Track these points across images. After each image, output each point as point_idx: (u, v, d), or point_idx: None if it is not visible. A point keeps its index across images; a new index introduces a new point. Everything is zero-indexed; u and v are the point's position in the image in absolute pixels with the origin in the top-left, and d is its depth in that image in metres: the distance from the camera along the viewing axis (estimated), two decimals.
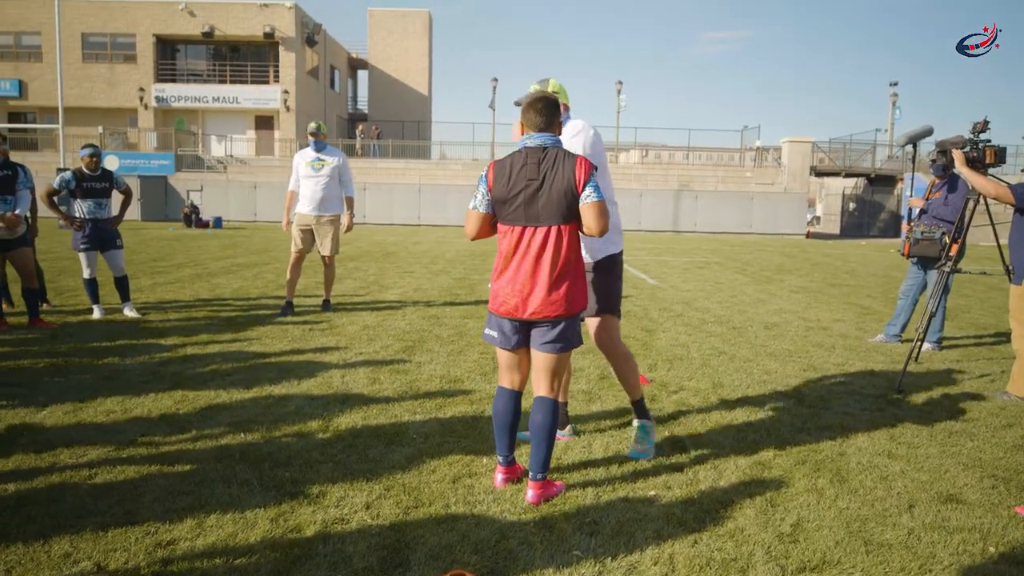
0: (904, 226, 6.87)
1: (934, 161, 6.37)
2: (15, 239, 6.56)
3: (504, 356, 3.32)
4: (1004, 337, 7.54)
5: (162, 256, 14.26)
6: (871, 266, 16.93)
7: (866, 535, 2.97)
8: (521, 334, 3.25)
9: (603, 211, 3.10)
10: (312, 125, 7.65)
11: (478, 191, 3.25)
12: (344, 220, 7.89)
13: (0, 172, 6.45)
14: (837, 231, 38.13)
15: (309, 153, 7.70)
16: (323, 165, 7.65)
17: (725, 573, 2.63)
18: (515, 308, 3.17)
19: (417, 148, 39.38)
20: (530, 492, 3.17)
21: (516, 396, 3.34)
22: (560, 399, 3.99)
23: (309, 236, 7.78)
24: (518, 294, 3.16)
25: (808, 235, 32.75)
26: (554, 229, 3.12)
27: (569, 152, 3.16)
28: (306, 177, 7.69)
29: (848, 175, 36.72)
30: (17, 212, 6.45)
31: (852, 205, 38.42)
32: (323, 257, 7.94)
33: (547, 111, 3.18)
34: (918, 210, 6.90)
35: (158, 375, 5.12)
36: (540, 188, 3.09)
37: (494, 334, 3.30)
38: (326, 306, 8.10)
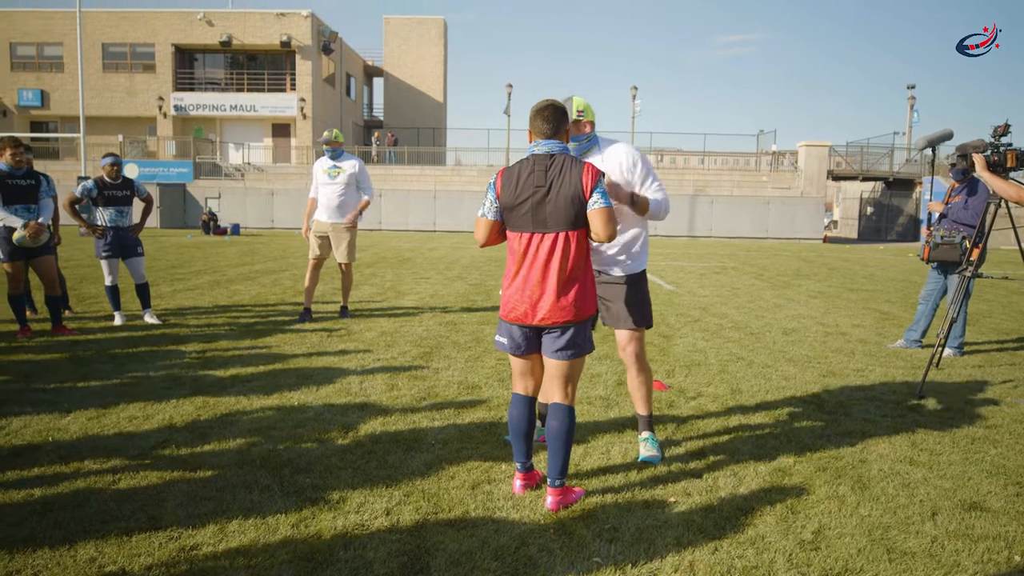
0: (924, 231, 6.81)
1: (954, 165, 6.33)
2: (38, 247, 6.66)
3: (516, 363, 3.34)
4: None
5: (181, 263, 14.40)
6: (890, 271, 16.78)
7: (889, 543, 2.95)
8: (531, 340, 3.26)
9: (611, 217, 3.12)
10: (326, 134, 7.64)
11: (487, 198, 3.28)
12: (348, 216, 7.78)
13: (24, 181, 6.55)
14: (855, 235, 37.82)
15: (326, 161, 7.76)
16: (339, 172, 7.70)
17: None
18: (524, 314, 3.19)
19: (432, 154, 39.54)
20: (549, 499, 3.17)
21: (531, 402, 3.35)
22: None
23: (326, 243, 7.87)
24: (527, 300, 3.17)
25: (825, 239, 32.51)
26: (562, 235, 3.13)
27: (576, 159, 3.17)
28: (323, 185, 7.76)
29: (866, 179, 36.43)
30: (40, 221, 6.55)
31: (870, 209, 38.11)
32: (340, 264, 8.00)
33: (555, 118, 3.19)
34: (938, 214, 6.84)
35: (179, 381, 5.17)
36: (547, 195, 3.11)
37: (504, 341, 3.31)
38: (344, 312, 8.15)
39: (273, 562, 2.65)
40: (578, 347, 3.22)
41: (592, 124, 3.73)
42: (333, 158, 7.71)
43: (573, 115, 3.64)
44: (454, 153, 41.18)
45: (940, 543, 2.95)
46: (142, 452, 3.75)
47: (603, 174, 3.19)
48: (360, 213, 7.86)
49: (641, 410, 3.95)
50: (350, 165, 7.75)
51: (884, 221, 37.11)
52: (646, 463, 3.74)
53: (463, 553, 2.74)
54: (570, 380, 3.25)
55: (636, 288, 3.86)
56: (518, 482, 3.34)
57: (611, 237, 3.12)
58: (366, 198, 7.86)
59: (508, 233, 3.27)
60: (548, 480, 3.20)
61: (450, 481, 3.45)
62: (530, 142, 3.25)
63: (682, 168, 39.57)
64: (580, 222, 3.14)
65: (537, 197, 3.12)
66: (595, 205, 3.10)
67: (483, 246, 3.35)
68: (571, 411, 3.24)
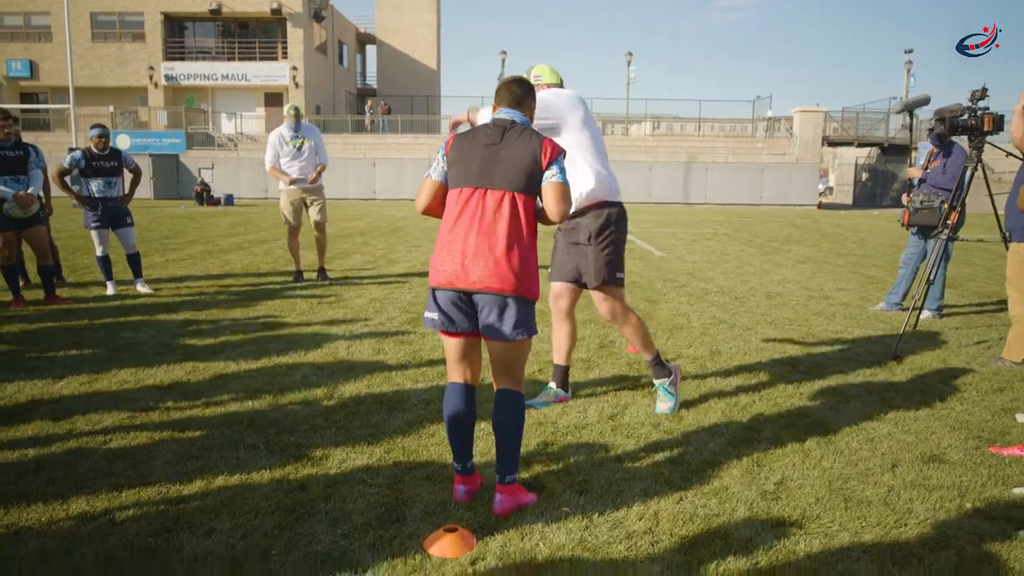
0: (904, 197, 6.93)
1: (931, 130, 6.43)
2: (29, 218, 6.72)
3: (450, 345, 2.92)
4: (1005, 305, 7.56)
5: (174, 234, 14.45)
6: (880, 236, 16.88)
7: (847, 492, 3.08)
8: (466, 314, 2.84)
9: (565, 194, 2.84)
10: (292, 109, 8.22)
11: (436, 159, 2.98)
12: (311, 175, 8.29)
13: (12, 153, 6.58)
14: (850, 201, 37.86)
15: (287, 132, 8.23)
16: (302, 143, 8.21)
17: (707, 527, 2.75)
18: (455, 276, 2.77)
19: (426, 123, 39.31)
20: (498, 498, 2.80)
21: (470, 391, 2.96)
22: (565, 363, 4.23)
23: (300, 209, 8.39)
24: (458, 257, 2.76)
25: (820, 206, 32.56)
26: (508, 195, 2.79)
27: (538, 132, 2.94)
28: (288, 156, 8.26)
29: (861, 145, 36.37)
30: (30, 191, 6.60)
31: (865, 175, 38.10)
32: (315, 224, 8.47)
33: (521, 91, 3.00)
34: (918, 180, 6.93)
35: (170, 347, 5.28)
36: (500, 151, 2.83)
37: (434, 316, 2.86)
38: (322, 274, 8.55)
39: (256, 513, 2.77)
40: (521, 327, 2.81)
41: (551, 87, 3.99)
42: (295, 129, 8.20)
43: (530, 78, 3.88)
44: (448, 121, 40.86)
45: (896, 492, 3.09)
46: (132, 414, 3.87)
47: (564, 152, 2.91)
48: (320, 175, 8.38)
49: (645, 354, 4.08)
50: (311, 137, 8.29)
51: (879, 187, 37.11)
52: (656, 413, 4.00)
53: (438, 504, 2.87)
54: (516, 364, 2.90)
55: (599, 245, 3.89)
56: (460, 488, 2.92)
57: (563, 215, 2.84)
58: (322, 164, 8.38)
59: (449, 192, 2.91)
60: (498, 477, 2.82)
61: (430, 438, 3.57)
62: (492, 113, 3.04)
63: (678, 135, 39.42)
64: (530, 188, 2.82)
65: (488, 152, 2.83)
66: (552, 178, 2.82)
67: (423, 211, 2.99)
68: (520, 397, 2.90)
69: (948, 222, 5.80)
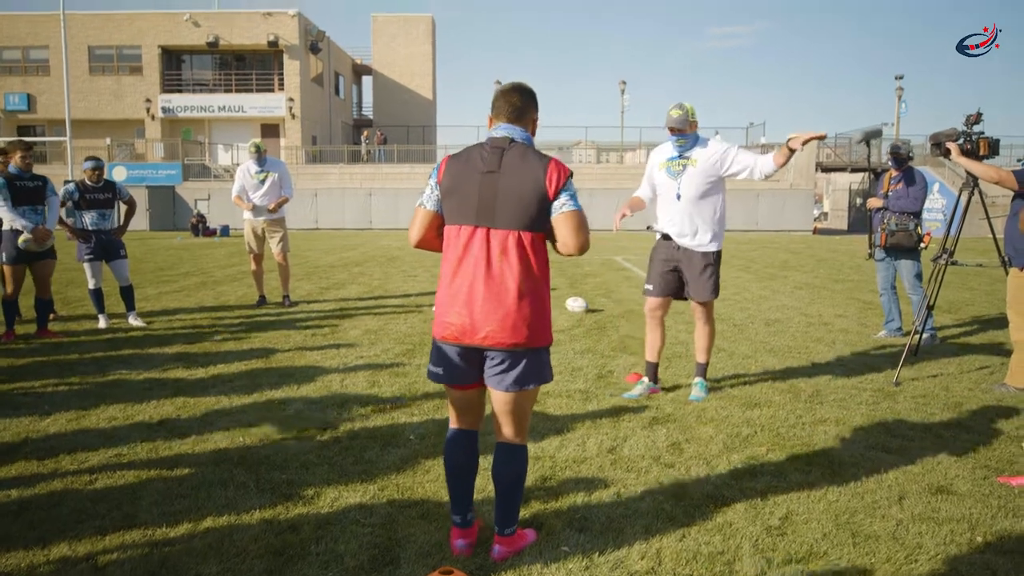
0: (878, 226, 7.16)
1: (891, 153, 6.74)
2: (42, 251, 6.71)
3: (455, 396, 2.74)
4: (1006, 329, 7.51)
5: (169, 265, 14.38)
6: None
7: (854, 527, 3.00)
8: (473, 365, 2.65)
9: (581, 223, 2.57)
10: (252, 146, 8.62)
11: (428, 185, 2.70)
12: (271, 204, 8.60)
13: (31, 183, 6.62)
14: (845, 226, 37.99)
15: (252, 167, 8.60)
16: (266, 177, 8.60)
17: (711, 566, 2.66)
18: (462, 331, 2.57)
19: (422, 152, 39.47)
20: (497, 548, 2.68)
21: (472, 438, 2.79)
22: (653, 360, 5.01)
23: (261, 240, 8.84)
24: (465, 311, 2.55)
25: (815, 231, 32.65)
26: (513, 235, 2.54)
27: (542, 153, 2.63)
28: (252, 189, 8.60)
29: (855, 170, 36.56)
30: (47, 227, 6.60)
31: (859, 200, 38.27)
32: (276, 253, 8.83)
33: (523, 102, 2.66)
34: (878, 208, 7.08)
35: (161, 382, 5.19)
36: (499, 182, 2.54)
37: (439, 370, 2.67)
38: (286, 301, 8.91)
39: (244, 556, 2.67)
40: (530, 378, 2.62)
41: (696, 124, 4.79)
42: (260, 165, 8.56)
43: (691, 119, 4.71)
44: (444, 150, 40.97)
45: (905, 526, 3.00)
46: (120, 452, 3.77)
47: (571, 174, 2.61)
48: (280, 205, 8.69)
49: (700, 358, 5.04)
50: (275, 171, 8.66)
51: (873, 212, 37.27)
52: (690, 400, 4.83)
53: (433, 544, 2.78)
54: (521, 415, 2.69)
55: (717, 264, 4.86)
56: (459, 541, 2.72)
57: (582, 248, 2.57)
58: (285, 195, 8.72)
59: (446, 228, 2.66)
60: (497, 529, 2.69)
61: (425, 475, 3.48)
62: (489, 127, 2.69)
63: None
64: (539, 224, 2.56)
65: (486, 182, 2.54)
66: (564, 208, 2.55)
67: (416, 245, 2.73)
68: (523, 451, 2.72)
69: (946, 246, 5.77)
